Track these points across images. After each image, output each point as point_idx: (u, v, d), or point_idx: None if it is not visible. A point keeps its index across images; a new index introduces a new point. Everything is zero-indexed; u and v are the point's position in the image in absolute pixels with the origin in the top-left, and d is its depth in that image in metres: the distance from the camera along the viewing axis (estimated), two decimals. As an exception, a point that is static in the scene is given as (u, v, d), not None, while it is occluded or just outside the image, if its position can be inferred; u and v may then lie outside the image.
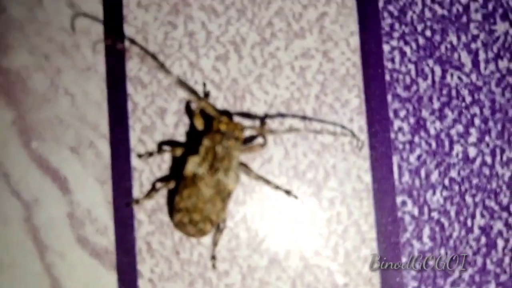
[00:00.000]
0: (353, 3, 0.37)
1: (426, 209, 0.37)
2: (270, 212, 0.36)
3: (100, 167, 0.37)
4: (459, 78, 0.38)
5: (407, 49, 0.38)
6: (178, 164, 0.36)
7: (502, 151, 0.38)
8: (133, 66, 0.37)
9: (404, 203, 0.37)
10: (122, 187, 0.36)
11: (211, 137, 0.33)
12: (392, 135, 0.37)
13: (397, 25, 0.38)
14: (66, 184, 0.37)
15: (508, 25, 0.39)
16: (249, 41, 0.37)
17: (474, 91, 0.38)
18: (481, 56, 0.38)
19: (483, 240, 0.37)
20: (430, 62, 0.38)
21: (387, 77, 0.37)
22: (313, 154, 0.37)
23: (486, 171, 0.37)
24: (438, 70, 0.38)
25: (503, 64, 0.38)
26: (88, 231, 0.36)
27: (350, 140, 0.37)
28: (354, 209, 0.36)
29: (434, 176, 0.37)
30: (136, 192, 0.36)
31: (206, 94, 0.36)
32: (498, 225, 0.37)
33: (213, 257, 0.35)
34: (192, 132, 0.37)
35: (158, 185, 0.36)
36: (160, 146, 0.36)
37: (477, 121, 0.38)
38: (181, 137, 0.36)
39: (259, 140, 0.36)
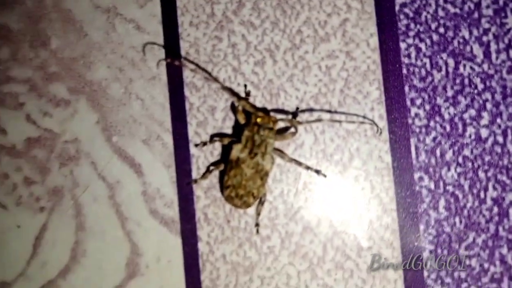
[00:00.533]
0: (372, 9, 0.37)
1: (441, 184, 0.37)
2: (303, 188, 0.37)
3: (166, 154, 0.38)
4: (471, 68, 0.37)
5: (422, 46, 0.37)
6: (225, 151, 0.37)
7: (514, 131, 0.37)
8: (189, 74, 0.38)
9: (421, 178, 0.37)
10: (183, 170, 0.37)
11: (250, 128, 0.35)
12: (410, 121, 0.37)
13: (412, 25, 0.37)
14: (140, 169, 0.38)
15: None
16: (282, 48, 0.37)
17: (486, 79, 0.37)
18: (493, 47, 0.37)
19: (495, 209, 0.37)
20: (444, 55, 0.37)
21: (404, 71, 0.37)
22: (339, 139, 0.37)
23: (498, 149, 0.37)
24: (451, 62, 0.37)
25: (515, 52, 0.37)
26: (158, 205, 0.37)
27: (371, 126, 0.37)
28: (376, 183, 0.37)
29: (449, 155, 0.37)
30: (194, 174, 0.37)
31: (247, 94, 0.37)
32: (510, 197, 0.37)
33: (257, 225, 0.37)
34: (236, 125, 0.37)
35: (211, 167, 0.37)
36: (212, 137, 0.37)
37: (489, 105, 0.37)
38: (228, 129, 0.38)
39: (292, 129, 0.36)
